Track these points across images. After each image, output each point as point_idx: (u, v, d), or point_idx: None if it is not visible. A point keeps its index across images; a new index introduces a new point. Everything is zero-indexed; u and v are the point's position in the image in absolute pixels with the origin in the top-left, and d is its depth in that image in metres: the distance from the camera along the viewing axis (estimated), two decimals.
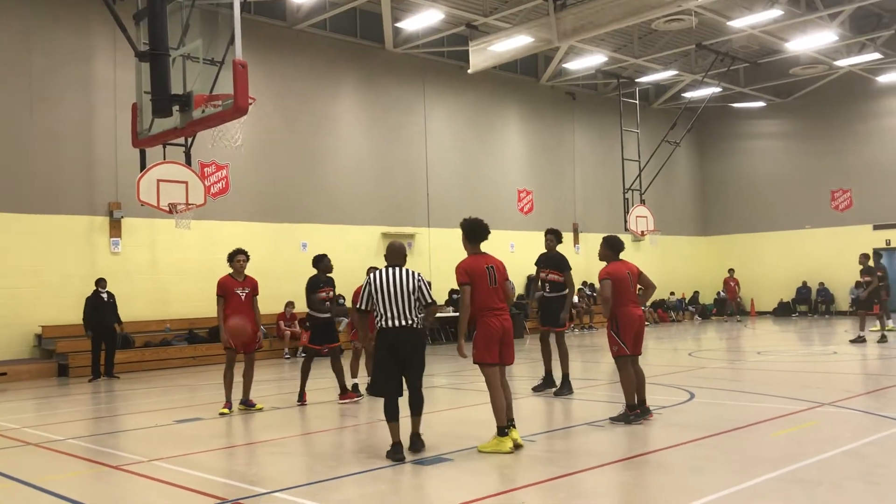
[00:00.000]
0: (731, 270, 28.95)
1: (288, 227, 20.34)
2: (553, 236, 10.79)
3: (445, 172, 24.03)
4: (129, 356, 16.41)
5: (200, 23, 12.43)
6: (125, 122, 13.32)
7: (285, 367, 16.87)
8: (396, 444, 6.91)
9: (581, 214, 27.87)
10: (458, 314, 7.35)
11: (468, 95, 24.79)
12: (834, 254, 28.70)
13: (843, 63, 26.00)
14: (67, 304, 16.47)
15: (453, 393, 11.91)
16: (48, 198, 16.74)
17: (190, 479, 6.46)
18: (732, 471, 6.21)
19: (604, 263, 8.63)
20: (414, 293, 7.13)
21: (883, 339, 16.95)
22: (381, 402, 7.24)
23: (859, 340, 17.04)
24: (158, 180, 14.82)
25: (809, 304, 29.87)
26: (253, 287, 10.24)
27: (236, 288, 10.06)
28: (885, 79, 27.56)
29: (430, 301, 7.25)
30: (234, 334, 9.83)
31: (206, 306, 17.67)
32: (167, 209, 14.95)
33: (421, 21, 20.98)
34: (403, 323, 7.05)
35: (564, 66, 25.78)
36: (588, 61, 24.77)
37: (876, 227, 28.15)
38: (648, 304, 26.60)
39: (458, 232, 7.54)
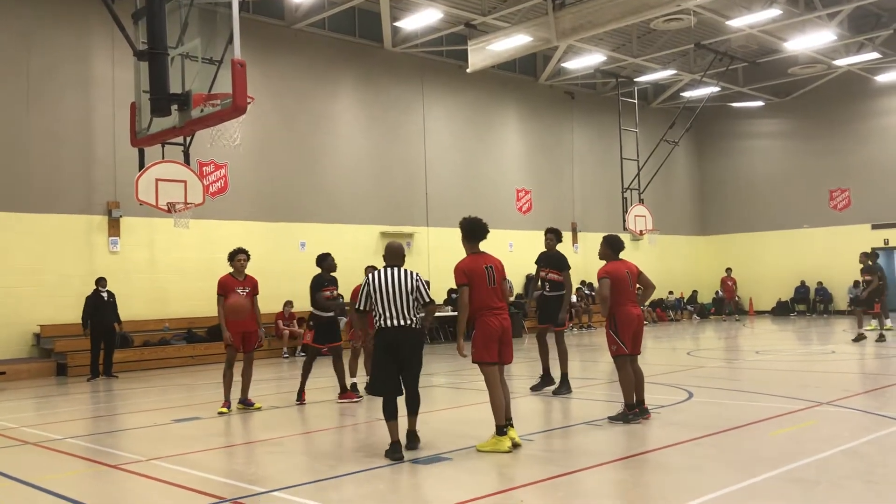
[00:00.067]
0: (728, 270, 28.97)
1: (286, 227, 20.34)
2: (553, 235, 10.80)
3: (444, 172, 24.03)
4: (127, 355, 16.40)
5: (199, 22, 12.42)
6: (124, 122, 13.31)
7: (284, 366, 16.87)
8: (395, 443, 6.93)
9: (580, 214, 27.88)
10: (456, 313, 7.35)
11: (467, 95, 24.79)
12: (832, 253, 28.72)
13: (841, 62, 26.01)
14: (66, 304, 16.46)
15: (452, 392, 11.91)
16: (47, 197, 16.73)
17: (189, 479, 6.46)
18: (731, 470, 6.21)
19: (604, 262, 8.64)
20: (412, 293, 7.16)
21: (881, 339, 16.96)
22: (379, 401, 7.25)
23: (861, 338, 17.07)
24: (157, 179, 14.82)
25: (808, 303, 29.90)
26: (253, 286, 10.24)
27: (237, 287, 10.07)
28: (883, 78, 27.57)
29: (428, 300, 7.28)
30: (233, 312, 9.82)
31: (204, 305, 17.69)
32: (166, 208, 14.95)
33: (419, 20, 20.97)
34: (402, 323, 7.07)
35: (563, 65, 25.78)
36: (587, 60, 24.77)
37: (874, 227, 28.17)
38: (647, 303, 26.61)
39: (457, 231, 7.53)
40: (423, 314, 7.41)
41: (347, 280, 11.48)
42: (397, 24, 21.72)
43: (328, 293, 10.51)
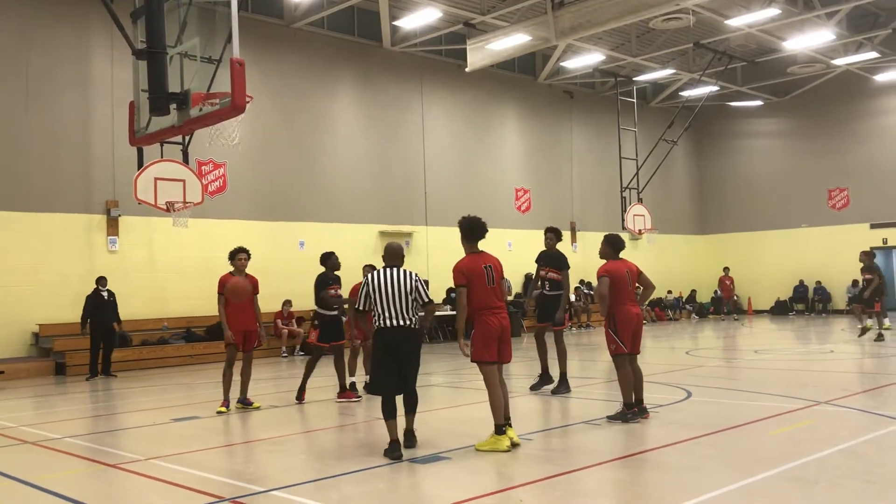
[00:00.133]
0: (726, 269, 28.98)
1: (285, 226, 20.34)
2: (553, 235, 10.80)
3: (443, 171, 24.03)
4: (126, 354, 16.39)
5: (198, 21, 12.43)
6: (123, 121, 13.31)
7: (283, 365, 16.87)
8: (394, 442, 6.94)
9: (578, 213, 27.89)
10: (455, 312, 7.36)
11: (466, 94, 24.79)
12: (831, 252, 28.75)
13: (840, 62, 26.02)
14: (65, 303, 16.46)
15: (451, 391, 11.92)
16: (45, 196, 16.72)
17: (187, 478, 6.46)
18: (730, 469, 6.22)
19: (604, 261, 8.65)
20: (411, 293, 7.18)
21: (880, 338, 16.97)
22: (378, 400, 7.27)
23: (866, 331, 17.09)
24: (156, 178, 14.81)
25: (806, 302, 29.92)
26: (254, 285, 10.24)
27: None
28: (882, 77, 27.59)
29: (428, 301, 7.31)
30: (234, 293, 9.82)
31: (203, 305, 17.71)
32: (164, 207, 14.94)
33: (418, 19, 20.97)
34: (401, 323, 7.09)
35: (562, 64, 25.78)
36: (586, 60, 24.76)
37: (873, 226, 28.19)
38: (646, 304, 26.63)
39: (456, 230, 7.54)
40: (422, 314, 7.43)
41: (346, 279, 11.47)
42: (396, 23, 21.72)
43: (332, 292, 10.53)
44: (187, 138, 15.22)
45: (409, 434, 7.24)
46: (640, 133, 26.83)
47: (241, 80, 9.11)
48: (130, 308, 16.82)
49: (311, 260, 19.13)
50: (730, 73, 27.68)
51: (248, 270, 10.33)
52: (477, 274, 7.23)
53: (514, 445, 7.08)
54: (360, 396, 10.73)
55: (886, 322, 18.46)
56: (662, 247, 28.90)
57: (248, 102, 9.45)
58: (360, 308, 7.31)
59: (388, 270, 7.27)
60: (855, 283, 25.53)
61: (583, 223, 27.77)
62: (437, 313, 20.09)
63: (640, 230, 25.36)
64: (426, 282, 7.48)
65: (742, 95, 30.05)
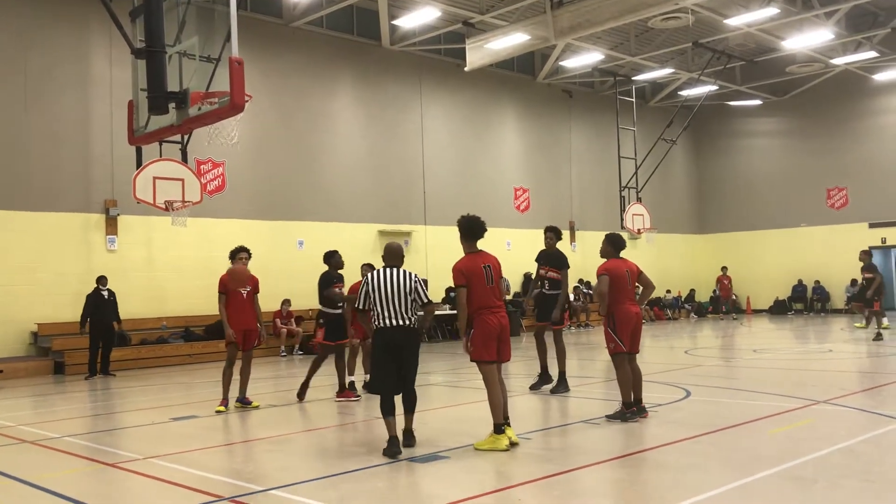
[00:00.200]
0: (724, 268, 28.99)
1: (284, 225, 20.34)
2: (553, 234, 10.81)
3: (442, 170, 24.03)
4: (125, 354, 16.39)
5: (196, 20, 12.40)
6: (121, 120, 13.28)
7: (282, 364, 16.87)
8: (393, 438, 6.97)
9: (577, 212, 27.89)
10: (454, 312, 7.37)
11: (465, 93, 24.78)
12: (830, 252, 28.77)
13: (839, 61, 26.03)
14: (63, 302, 16.45)
15: (450, 390, 11.92)
16: (44, 195, 16.72)
17: (186, 477, 6.46)
18: (729, 468, 6.22)
19: (604, 260, 8.65)
20: (411, 294, 7.20)
21: (879, 337, 16.98)
22: (377, 399, 7.28)
23: (881, 336, 17.11)
24: (155, 178, 14.79)
25: (805, 302, 29.93)
26: (254, 285, 10.25)
27: (238, 286, 10.07)
28: (881, 77, 27.61)
29: (427, 301, 7.32)
30: (234, 278, 9.82)
31: (202, 304, 17.72)
32: (163, 207, 14.92)
33: (417, 18, 20.97)
34: (400, 322, 7.12)
35: (561, 63, 25.77)
36: (585, 59, 24.76)
37: (872, 226, 28.21)
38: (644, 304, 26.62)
39: (455, 230, 7.54)
40: (421, 314, 7.44)
41: (346, 278, 11.47)
42: (395, 22, 21.71)
43: (337, 290, 10.55)
44: (186, 137, 15.20)
45: (408, 433, 7.25)
46: (639, 132, 26.83)
47: (239, 80, 9.10)
48: (129, 307, 16.80)
49: (310, 259, 19.33)
50: (729, 72, 27.68)
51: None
52: (476, 274, 7.24)
53: (513, 445, 7.08)
54: (359, 396, 10.73)
55: (885, 321, 18.48)
56: (661, 246, 28.92)
57: (246, 101, 9.44)
58: (360, 307, 7.33)
59: (387, 270, 7.28)
60: (854, 282, 25.55)
61: (582, 222, 27.77)
62: (437, 312, 20.08)
63: (638, 229, 25.35)
64: (425, 281, 7.49)
65: (741, 95, 30.06)
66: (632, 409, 8.29)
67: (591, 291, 25.83)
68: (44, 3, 17.04)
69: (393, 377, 7.14)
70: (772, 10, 20.77)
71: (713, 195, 32.78)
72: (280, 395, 11.47)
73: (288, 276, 19.18)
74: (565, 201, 27.66)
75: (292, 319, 18.85)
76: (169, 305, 18.18)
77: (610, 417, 8.32)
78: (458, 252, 7.44)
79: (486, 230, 7.48)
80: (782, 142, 31.00)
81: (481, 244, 7.50)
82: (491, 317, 7.22)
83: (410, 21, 21.29)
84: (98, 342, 15.03)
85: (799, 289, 30.05)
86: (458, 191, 24.02)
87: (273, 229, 20.04)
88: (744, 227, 31.62)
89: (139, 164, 14.71)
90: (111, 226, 17.51)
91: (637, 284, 8.69)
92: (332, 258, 10.69)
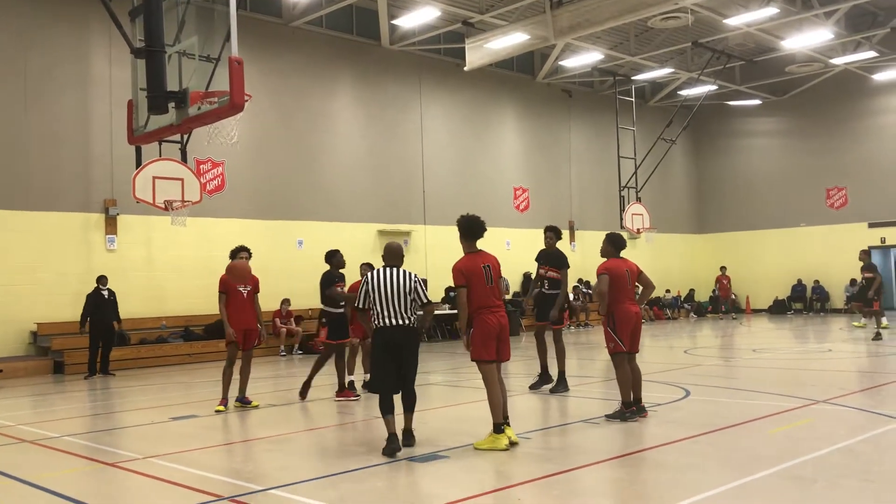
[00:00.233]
0: (722, 268, 29.00)
1: (284, 225, 20.34)
2: (553, 234, 10.81)
3: (442, 170, 24.03)
4: (124, 353, 16.39)
5: (196, 19, 12.40)
6: (121, 119, 13.30)
7: (281, 364, 16.87)
8: (392, 436, 7.00)
9: (577, 212, 27.89)
10: (454, 311, 7.38)
11: (464, 93, 24.78)
12: (829, 252, 28.79)
13: (838, 61, 26.04)
14: (63, 302, 16.45)
15: (449, 390, 11.92)
16: (44, 195, 16.71)
17: (186, 476, 6.46)
18: (728, 468, 6.23)
19: (605, 259, 8.66)
20: (410, 294, 7.22)
21: (878, 337, 16.99)
22: (376, 398, 7.29)
23: (879, 328, 17.16)
24: (154, 177, 14.78)
25: (804, 301, 29.94)
26: (255, 284, 10.25)
27: (238, 285, 10.07)
28: (880, 77, 27.61)
29: (426, 301, 7.33)
30: (235, 273, 9.82)
31: (201, 303, 17.72)
32: (163, 206, 14.92)
33: (417, 18, 20.97)
34: (400, 322, 7.13)
35: (561, 63, 25.77)
36: (584, 59, 24.76)
37: (871, 225, 28.23)
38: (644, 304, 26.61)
39: (455, 229, 7.54)
40: (420, 314, 7.45)
41: (346, 278, 11.47)
42: (395, 21, 21.71)
43: (339, 289, 10.56)
44: (186, 137, 15.20)
45: (408, 433, 7.26)
46: (638, 132, 26.84)
47: (239, 79, 9.10)
48: (129, 307, 16.80)
49: (309, 259, 19.35)
50: (728, 72, 27.68)
51: None
52: (476, 274, 7.25)
53: (513, 444, 7.08)
54: (358, 395, 10.74)
55: (884, 321, 18.49)
56: (661, 246, 28.93)
57: (246, 101, 9.45)
58: (360, 306, 7.34)
59: (387, 270, 7.30)
60: (853, 282, 25.56)
61: (581, 222, 27.78)
62: (436, 312, 20.08)
63: (638, 229, 25.36)
64: (424, 281, 7.50)
65: (740, 94, 30.07)
66: (631, 408, 8.29)
67: (590, 291, 25.85)
68: (44, 2, 17.04)
69: (392, 376, 7.15)
70: (771, 10, 20.77)
71: (713, 195, 32.78)
72: (279, 395, 11.48)
73: (287, 275, 19.19)
74: (565, 201, 27.67)
75: (292, 319, 18.85)
76: (168, 305, 18.18)
77: (609, 417, 8.32)
78: (457, 252, 7.45)
79: (485, 230, 7.48)
80: (782, 141, 31.01)
81: (481, 244, 7.51)
82: (490, 316, 7.23)
83: (410, 21, 21.29)
84: (98, 342, 15.02)
85: (798, 288, 30.06)
86: (457, 190, 24.02)
87: (272, 229, 20.04)
88: (743, 226, 31.63)
89: (139, 163, 14.71)
90: (111, 225, 17.51)
91: (637, 284, 8.70)
92: (334, 258, 10.71)
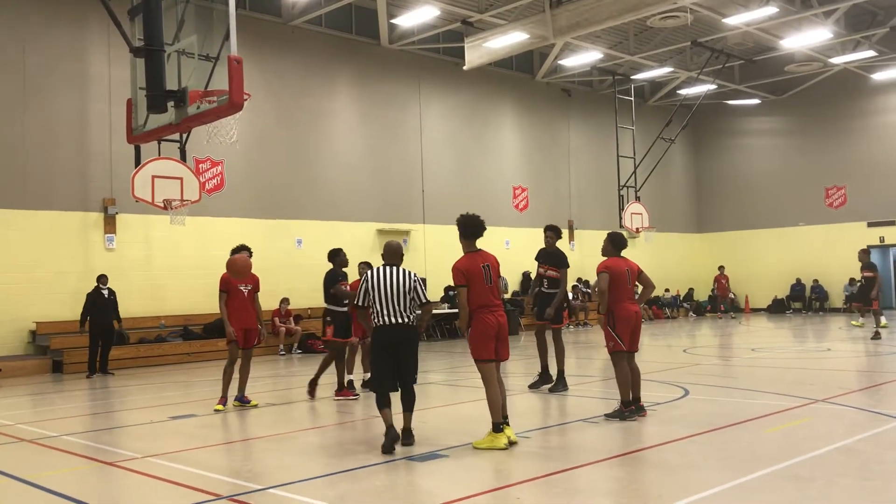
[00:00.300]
0: (721, 267, 28.97)
1: (283, 224, 20.33)
2: (552, 233, 10.81)
3: (441, 169, 24.03)
4: (123, 352, 16.38)
5: (195, 18, 12.38)
6: (120, 118, 13.29)
7: (280, 363, 16.87)
8: (390, 428, 7.03)
9: (576, 211, 27.90)
10: (453, 310, 7.40)
11: (463, 92, 24.78)
12: (828, 251, 28.81)
13: (837, 60, 26.04)
14: (62, 301, 16.45)
15: (449, 389, 11.92)
16: (43, 194, 16.71)
17: (185, 476, 6.46)
18: (727, 467, 6.23)
19: (605, 258, 8.66)
20: (409, 293, 7.24)
21: (877, 336, 17.00)
22: (375, 397, 7.30)
23: (878, 328, 17.16)
24: (153, 176, 14.79)
25: (803, 300, 29.96)
26: (255, 283, 10.25)
27: (239, 284, 10.07)
28: (879, 76, 27.62)
29: (425, 301, 7.34)
30: (235, 269, 9.82)
31: (200, 303, 17.73)
32: (162, 205, 14.92)
33: (416, 17, 20.96)
34: (399, 320, 7.15)
35: (560, 62, 25.76)
36: (583, 58, 24.76)
37: (870, 225, 28.25)
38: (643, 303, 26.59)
39: (454, 229, 7.55)
40: (419, 313, 7.46)
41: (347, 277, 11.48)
42: (394, 21, 21.71)
43: (343, 286, 10.57)
44: (185, 136, 15.19)
45: (407, 432, 7.26)
46: (637, 131, 26.84)
47: (238, 78, 9.10)
48: (128, 306, 16.79)
49: (308, 258, 19.36)
50: (727, 71, 27.69)
51: None
52: (476, 273, 7.25)
53: (512, 443, 7.09)
54: (357, 394, 10.74)
55: (883, 320, 18.50)
56: (660, 245, 28.94)
57: (245, 100, 9.44)
58: (360, 305, 7.34)
59: (387, 269, 7.31)
60: (852, 281, 25.57)
61: (580, 221, 27.78)
62: (435, 311, 20.07)
63: (637, 228, 25.36)
64: (423, 280, 7.51)
65: (739, 94, 30.07)
66: (630, 407, 8.30)
67: (589, 290, 25.86)
68: (42, 1, 17.02)
69: (391, 375, 7.18)
70: (770, 10, 20.77)
71: (712, 194, 32.79)
72: (278, 394, 11.48)
73: (287, 274, 19.19)
74: (564, 200, 27.67)
75: (291, 318, 18.84)
76: (167, 304, 18.18)
77: (608, 416, 8.33)
78: (456, 251, 7.45)
79: (485, 229, 7.48)
80: (781, 141, 31.02)
81: (480, 243, 7.51)
82: (489, 316, 7.23)
83: (409, 20, 21.29)
84: (98, 341, 15.01)
85: (797, 288, 30.07)
86: (456, 190, 24.02)
87: (272, 228, 20.04)
88: (742, 225, 31.64)
89: (138, 162, 14.70)
90: (110, 224, 17.50)
91: (637, 284, 8.70)
92: (337, 256, 10.73)
